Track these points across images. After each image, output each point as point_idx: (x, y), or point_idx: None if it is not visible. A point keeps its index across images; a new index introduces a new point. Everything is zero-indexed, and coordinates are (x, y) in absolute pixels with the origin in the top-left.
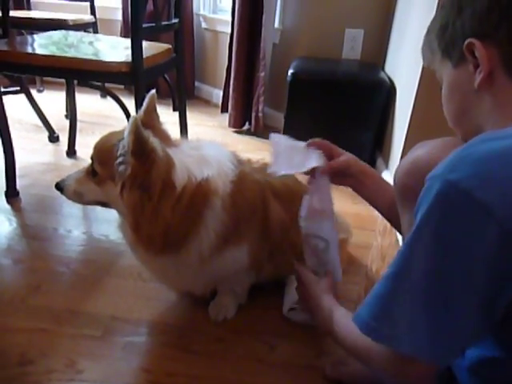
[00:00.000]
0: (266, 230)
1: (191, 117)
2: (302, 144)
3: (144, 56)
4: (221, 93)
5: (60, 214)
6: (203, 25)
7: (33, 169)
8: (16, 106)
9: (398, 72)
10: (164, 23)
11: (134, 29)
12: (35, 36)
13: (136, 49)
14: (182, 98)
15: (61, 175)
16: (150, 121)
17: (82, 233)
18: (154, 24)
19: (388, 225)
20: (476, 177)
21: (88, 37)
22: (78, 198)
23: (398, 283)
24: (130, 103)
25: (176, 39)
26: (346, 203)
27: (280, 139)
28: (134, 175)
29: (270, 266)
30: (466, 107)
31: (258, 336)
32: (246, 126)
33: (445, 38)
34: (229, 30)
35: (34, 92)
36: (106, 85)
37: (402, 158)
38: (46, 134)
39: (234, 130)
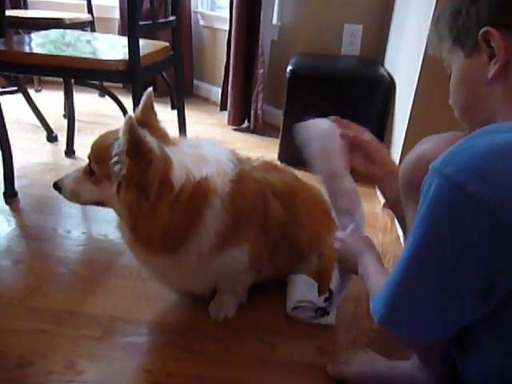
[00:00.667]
0: (265, 229)
1: (190, 115)
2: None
3: (141, 54)
4: (219, 90)
5: (59, 214)
6: (201, 22)
7: (31, 169)
8: (14, 105)
9: (397, 67)
10: (161, 21)
11: (130, 26)
12: (32, 35)
13: (133, 47)
14: (181, 96)
15: (59, 175)
16: (147, 119)
17: (81, 233)
18: (150, 22)
19: (389, 222)
20: (469, 170)
21: (85, 35)
22: (76, 197)
23: (403, 272)
24: (128, 102)
25: (174, 37)
26: None
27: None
28: (129, 175)
29: (270, 265)
30: (476, 98)
31: (259, 335)
32: (246, 124)
33: (457, 26)
34: (227, 27)
35: (31, 92)
36: (104, 84)
37: (402, 153)
38: (45, 133)
39: (233, 127)
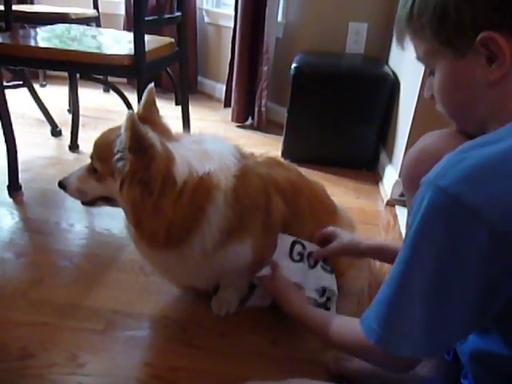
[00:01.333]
0: (268, 225)
1: (194, 111)
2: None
3: (146, 49)
4: (224, 87)
5: (62, 207)
6: (206, 19)
7: (35, 163)
8: (19, 100)
9: (402, 66)
10: (167, 16)
11: (136, 21)
12: (38, 29)
13: (138, 42)
14: (185, 92)
15: (63, 169)
16: (148, 115)
17: (84, 227)
18: (156, 17)
19: (391, 220)
20: (464, 182)
21: (91, 30)
22: (82, 195)
23: (395, 287)
24: (132, 98)
25: (179, 33)
26: (349, 198)
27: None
28: (132, 171)
29: None
30: (471, 100)
31: (261, 331)
32: (249, 121)
33: (446, 29)
34: (232, 25)
35: (36, 86)
36: (109, 79)
37: (405, 152)
38: (49, 128)
39: (237, 124)
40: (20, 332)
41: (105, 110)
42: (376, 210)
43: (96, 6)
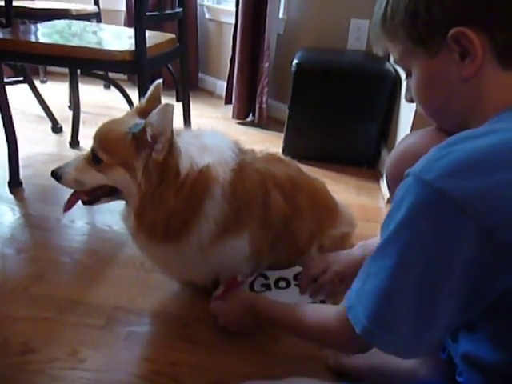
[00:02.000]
0: (266, 220)
1: (195, 108)
2: None
3: (147, 45)
4: (224, 84)
5: (63, 204)
6: (207, 15)
7: (36, 159)
8: (19, 96)
9: None
10: (168, 12)
11: (137, 17)
12: (39, 25)
13: (139, 37)
14: (186, 88)
15: None
16: (151, 109)
17: (85, 223)
18: (157, 12)
19: None
20: (450, 176)
21: (91, 26)
22: (79, 185)
23: (383, 281)
24: (133, 94)
25: (180, 29)
26: (349, 195)
27: None
28: (164, 162)
29: (271, 257)
30: (448, 97)
31: (261, 327)
32: (250, 118)
33: (417, 27)
34: (233, 21)
35: (37, 83)
36: (110, 75)
37: None
38: (50, 124)
39: (238, 121)
40: (21, 327)
41: (105, 106)
42: (377, 207)
43: (97, 2)
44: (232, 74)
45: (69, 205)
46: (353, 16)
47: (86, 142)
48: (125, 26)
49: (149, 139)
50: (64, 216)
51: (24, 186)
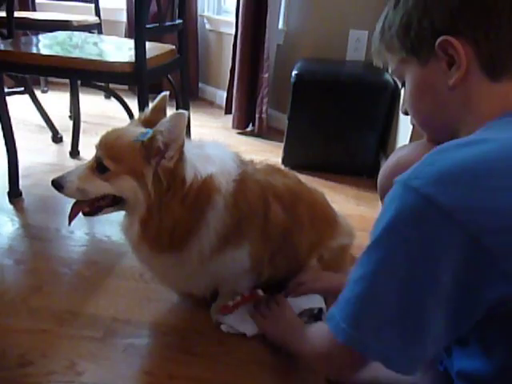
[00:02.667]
0: (266, 231)
1: (195, 118)
2: None
3: (148, 56)
4: (225, 94)
5: (62, 214)
6: (207, 26)
7: (36, 169)
8: (20, 106)
9: None
10: (168, 23)
11: (137, 29)
12: (40, 36)
13: (139, 49)
14: (186, 98)
15: None
16: (155, 119)
17: (84, 234)
18: (157, 24)
19: None
20: (437, 183)
21: (92, 37)
22: (82, 195)
23: (367, 289)
24: (133, 104)
25: (180, 40)
26: (349, 205)
27: None
28: (175, 169)
29: (271, 268)
30: (437, 106)
31: (260, 339)
32: (250, 128)
33: (410, 37)
34: (233, 31)
35: (38, 93)
36: (110, 86)
37: None
38: (50, 134)
39: (238, 131)
40: (19, 339)
41: (106, 116)
42: (374, 217)
43: (98, 14)
44: (232, 84)
45: (72, 216)
46: (352, 27)
47: (87, 151)
48: (126, 36)
49: (161, 147)
50: (63, 226)
51: (24, 196)
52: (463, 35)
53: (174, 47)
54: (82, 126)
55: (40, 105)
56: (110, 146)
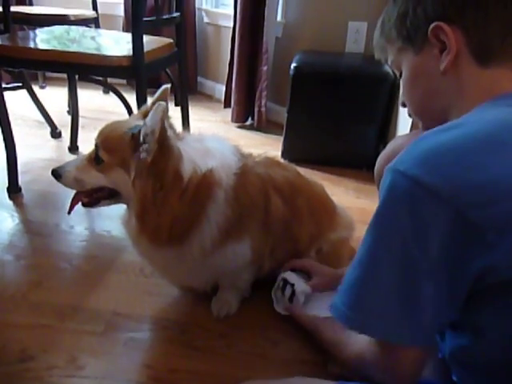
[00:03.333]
0: (267, 224)
1: (194, 112)
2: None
3: (145, 50)
4: (223, 88)
5: (62, 209)
6: (205, 19)
7: (35, 165)
8: (18, 101)
9: None
10: (165, 17)
11: (134, 22)
12: (37, 31)
13: (137, 42)
14: (184, 92)
15: None
16: None
17: (84, 228)
18: (154, 18)
19: None
20: (422, 164)
21: (90, 32)
22: (79, 185)
23: (365, 271)
24: (132, 99)
25: (178, 33)
26: (349, 198)
27: None
28: (153, 163)
29: (272, 261)
30: (431, 92)
31: (261, 332)
32: (249, 121)
33: (405, 26)
34: (231, 25)
35: (36, 88)
36: (108, 80)
37: None
38: (48, 129)
39: (237, 124)
40: (19, 334)
41: (104, 111)
42: (374, 209)
43: (95, 8)
44: (231, 78)
45: (71, 206)
46: (351, 19)
47: (85, 146)
48: (123, 30)
49: (141, 139)
50: (63, 222)
51: (23, 191)
52: (454, 22)
53: (171, 41)
54: (81, 121)
55: (38, 100)
56: (104, 137)
